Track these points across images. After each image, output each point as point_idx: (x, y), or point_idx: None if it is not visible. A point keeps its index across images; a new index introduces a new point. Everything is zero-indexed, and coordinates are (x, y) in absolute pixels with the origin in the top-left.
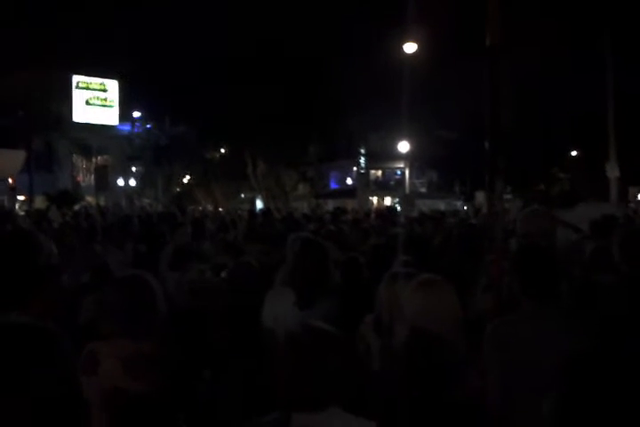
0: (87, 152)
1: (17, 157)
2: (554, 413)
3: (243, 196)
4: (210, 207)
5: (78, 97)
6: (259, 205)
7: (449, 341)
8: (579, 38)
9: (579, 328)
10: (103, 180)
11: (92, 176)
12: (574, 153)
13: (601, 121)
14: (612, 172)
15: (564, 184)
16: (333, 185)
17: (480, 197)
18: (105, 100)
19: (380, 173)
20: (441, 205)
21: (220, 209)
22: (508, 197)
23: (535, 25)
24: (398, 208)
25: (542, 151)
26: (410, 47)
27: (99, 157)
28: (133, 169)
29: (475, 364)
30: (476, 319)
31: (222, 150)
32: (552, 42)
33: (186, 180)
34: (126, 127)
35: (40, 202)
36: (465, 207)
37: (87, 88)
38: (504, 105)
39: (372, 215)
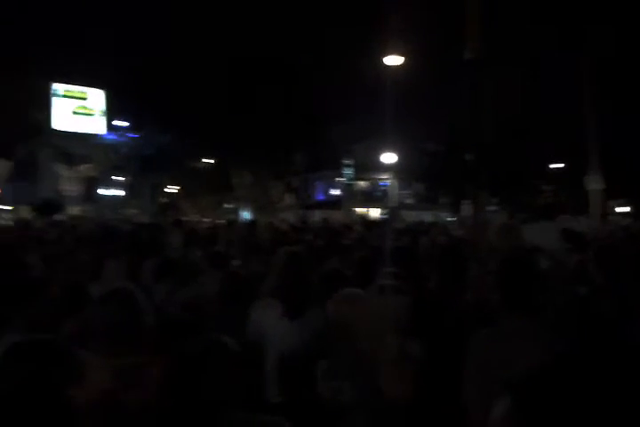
0: (70, 161)
1: (4, 167)
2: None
3: (227, 206)
4: (195, 218)
5: (62, 106)
6: (243, 215)
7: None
8: (560, 50)
9: (553, 342)
10: (91, 190)
11: (76, 186)
12: (558, 165)
13: (583, 134)
14: (592, 184)
15: (547, 196)
16: (319, 196)
17: (466, 209)
18: (89, 109)
19: (365, 184)
20: (427, 217)
21: (205, 219)
22: (494, 208)
23: (518, 38)
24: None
25: (527, 163)
26: (395, 59)
27: (82, 167)
28: (119, 179)
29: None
30: (464, 332)
31: (208, 160)
32: (535, 54)
33: (171, 190)
34: (112, 136)
35: (24, 212)
36: (451, 219)
37: (71, 97)
38: (486, 118)
39: (358, 227)
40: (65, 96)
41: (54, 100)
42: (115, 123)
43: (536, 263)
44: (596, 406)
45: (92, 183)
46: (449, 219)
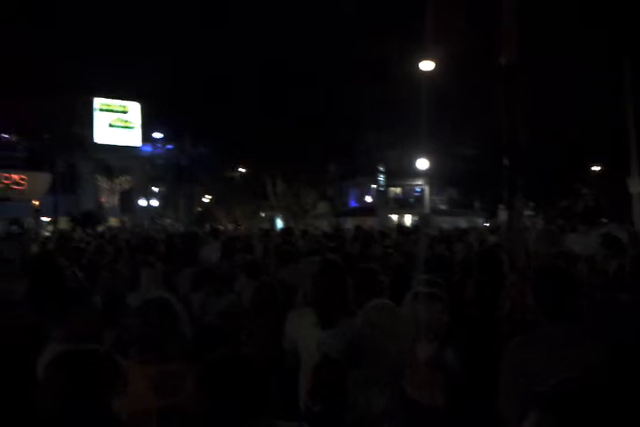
0: (110, 173)
1: (43, 180)
2: None
3: (263, 215)
4: (230, 226)
5: (100, 119)
6: (279, 224)
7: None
8: (597, 52)
9: (591, 351)
10: (128, 202)
11: (115, 197)
12: (597, 168)
13: (622, 135)
14: (635, 187)
15: (587, 200)
16: (353, 203)
17: (502, 214)
18: (127, 121)
19: (399, 190)
20: (462, 223)
21: (241, 228)
22: (530, 213)
23: (553, 41)
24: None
25: (565, 167)
26: (427, 65)
27: (121, 178)
28: (155, 189)
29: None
30: (500, 339)
31: (242, 170)
32: (571, 57)
33: (206, 199)
34: (148, 148)
35: (64, 223)
36: (486, 224)
37: (109, 110)
38: (521, 122)
39: (393, 233)
40: (107, 110)
41: (96, 115)
42: (151, 135)
43: (574, 271)
44: (633, 420)
45: (130, 194)
46: (486, 224)
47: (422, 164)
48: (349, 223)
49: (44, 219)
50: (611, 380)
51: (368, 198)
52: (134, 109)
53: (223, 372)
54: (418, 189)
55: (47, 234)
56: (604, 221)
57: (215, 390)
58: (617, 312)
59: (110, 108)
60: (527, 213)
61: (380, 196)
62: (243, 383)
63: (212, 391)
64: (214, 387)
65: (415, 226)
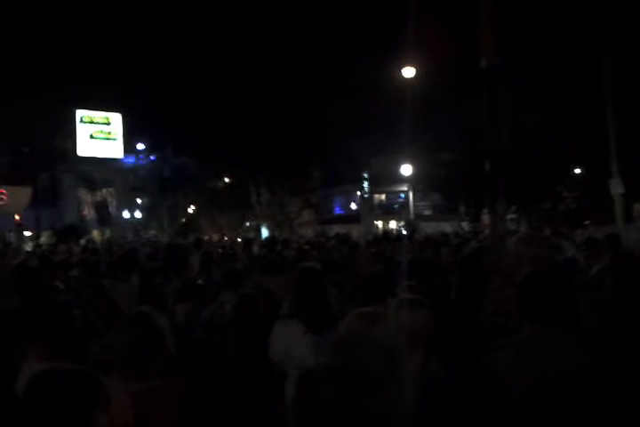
0: (92, 186)
1: (24, 194)
2: None
3: (248, 224)
4: (215, 236)
5: (82, 131)
6: (264, 233)
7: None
8: (578, 56)
9: (582, 351)
10: (104, 214)
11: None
12: (578, 171)
13: (603, 137)
14: (616, 188)
15: (569, 203)
16: (338, 210)
17: (486, 218)
18: (109, 133)
19: (383, 196)
20: (446, 227)
21: (226, 238)
22: (513, 216)
23: (533, 44)
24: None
25: (546, 170)
26: (408, 71)
27: (103, 190)
28: (138, 201)
29: None
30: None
31: (226, 179)
32: (551, 60)
33: (190, 210)
34: (130, 159)
35: (47, 237)
36: (470, 229)
37: (91, 122)
38: (502, 126)
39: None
40: (89, 122)
41: (79, 127)
42: (133, 146)
43: (562, 274)
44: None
45: (108, 206)
46: (468, 229)
47: (406, 169)
48: (335, 231)
49: (27, 233)
50: (601, 378)
51: (353, 205)
52: (116, 120)
53: (208, 391)
54: (402, 195)
55: (28, 249)
56: (587, 223)
57: (199, 408)
58: (599, 313)
59: (92, 119)
60: (510, 216)
61: (365, 202)
62: (227, 402)
63: (196, 409)
64: (198, 405)
65: (400, 232)
